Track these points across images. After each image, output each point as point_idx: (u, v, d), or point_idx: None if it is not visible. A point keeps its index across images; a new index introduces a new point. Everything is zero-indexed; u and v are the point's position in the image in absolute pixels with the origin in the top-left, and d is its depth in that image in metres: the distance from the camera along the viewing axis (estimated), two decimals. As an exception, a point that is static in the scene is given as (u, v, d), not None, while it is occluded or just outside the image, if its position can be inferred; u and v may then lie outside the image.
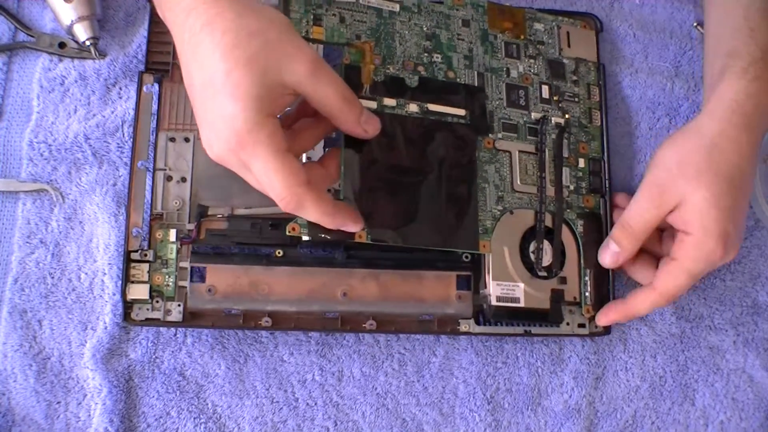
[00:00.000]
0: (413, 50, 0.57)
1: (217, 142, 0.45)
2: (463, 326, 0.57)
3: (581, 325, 0.58)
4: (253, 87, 0.44)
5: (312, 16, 0.55)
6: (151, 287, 0.55)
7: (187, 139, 0.58)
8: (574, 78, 0.62)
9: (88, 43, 0.60)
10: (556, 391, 0.59)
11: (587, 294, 0.58)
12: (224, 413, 0.56)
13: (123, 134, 0.59)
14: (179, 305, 0.55)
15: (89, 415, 0.55)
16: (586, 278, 0.58)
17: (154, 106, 0.58)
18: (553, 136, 0.59)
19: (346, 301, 0.55)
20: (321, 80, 0.46)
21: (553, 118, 0.60)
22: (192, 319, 0.55)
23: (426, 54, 0.57)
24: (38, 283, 0.57)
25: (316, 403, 0.57)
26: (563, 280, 0.58)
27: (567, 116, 0.60)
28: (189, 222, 0.56)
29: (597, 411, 0.59)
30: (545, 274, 0.57)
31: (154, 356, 0.57)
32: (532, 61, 0.61)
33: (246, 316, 0.55)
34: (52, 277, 0.57)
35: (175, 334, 0.57)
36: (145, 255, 0.55)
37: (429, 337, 0.58)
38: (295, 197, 0.45)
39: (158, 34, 0.60)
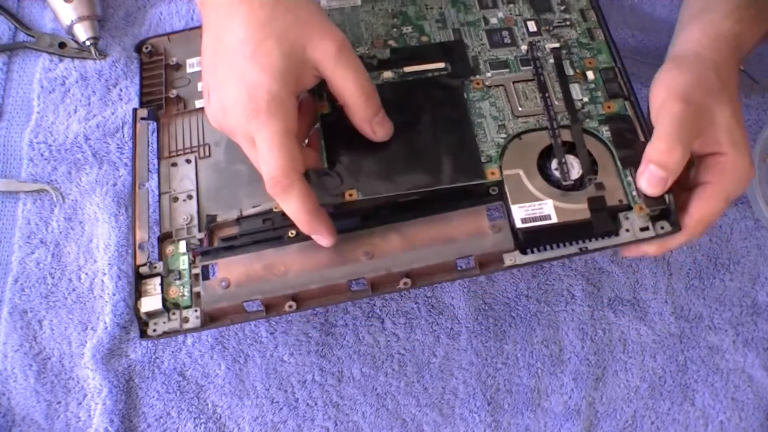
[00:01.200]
0: (381, 30, 0.56)
1: (233, 106, 0.45)
2: (508, 260, 0.49)
3: (644, 229, 0.49)
4: (281, 60, 0.45)
5: None
6: (165, 300, 0.51)
7: (188, 161, 0.56)
8: (563, 8, 0.58)
9: (88, 43, 0.60)
10: (556, 392, 0.59)
11: (634, 193, 0.50)
12: (224, 413, 0.56)
13: (123, 135, 0.59)
14: (196, 311, 0.51)
15: (89, 415, 0.55)
16: (629, 178, 0.50)
17: (152, 138, 0.57)
18: (551, 60, 0.55)
19: (371, 263, 0.50)
20: (344, 64, 0.46)
21: (547, 45, 0.56)
22: (211, 321, 0.51)
23: (395, 29, 0.56)
24: (38, 284, 0.57)
25: (316, 404, 0.57)
26: (600, 186, 0.50)
27: (562, 41, 0.56)
28: (199, 233, 0.54)
29: (597, 411, 0.59)
30: (576, 186, 0.50)
31: (154, 356, 0.57)
32: (511, 5, 0.58)
33: (267, 305, 0.50)
34: (53, 278, 0.57)
35: (175, 335, 0.57)
36: (155, 268, 0.52)
37: (429, 337, 0.58)
38: (285, 181, 0.45)
39: (150, 78, 0.59)
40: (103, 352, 0.56)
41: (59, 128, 0.59)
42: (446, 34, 0.56)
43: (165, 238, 0.54)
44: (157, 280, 0.52)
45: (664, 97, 0.50)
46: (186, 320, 0.51)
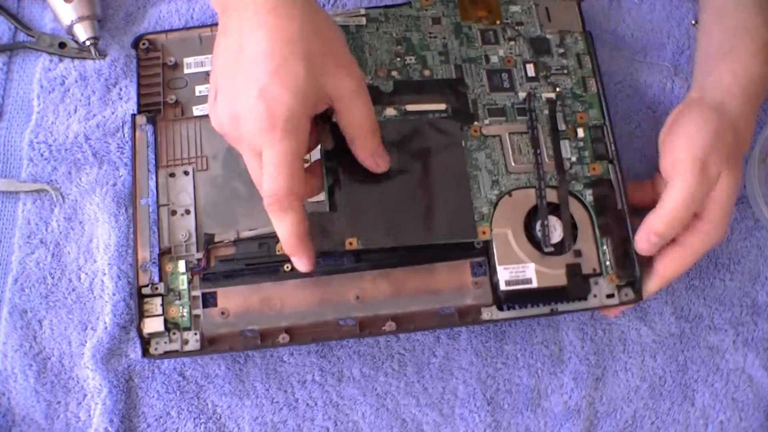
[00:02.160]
0: (385, 57, 0.57)
1: (248, 117, 0.45)
2: (485, 314, 0.54)
3: (609, 296, 0.55)
4: (305, 82, 0.45)
5: None
6: (166, 320, 0.54)
7: (186, 173, 0.56)
8: (561, 51, 0.60)
9: (88, 43, 0.60)
10: (556, 392, 0.59)
11: (608, 263, 0.55)
12: (224, 413, 0.56)
13: (123, 134, 0.59)
14: (195, 334, 0.54)
15: (89, 415, 0.55)
16: (605, 247, 0.55)
17: (150, 146, 0.57)
18: (546, 111, 0.57)
19: (360, 305, 0.54)
20: (358, 102, 0.48)
21: (543, 94, 0.58)
22: (210, 345, 0.54)
23: (398, 58, 0.57)
24: (38, 283, 0.57)
25: (316, 404, 0.57)
26: (578, 254, 0.54)
27: (558, 89, 0.58)
28: (197, 251, 0.55)
29: (597, 411, 0.59)
30: (556, 250, 0.54)
31: (154, 356, 0.57)
32: (512, 43, 0.59)
33: (263, 334, 0.54)
34: (53, 277, 0.57)
35: (175, 335, 0.57)
36: (156, 288, 0.54)
37: (429, 337, 0.58)
38: (286, 202, 0.45)
39: (147, 77, 0.59)
40: (103, 352, 0.56)
41: (59, 128, 0.59)
42: (448, 69, 0.58)
43: (164, 254, 0.55)
44: (159, 300, 0.54)
45: (684, 154, 0.52)
46: (186, 342, 0.54)
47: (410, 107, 0.56)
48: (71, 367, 0.56)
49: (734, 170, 0.52)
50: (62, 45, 0.61)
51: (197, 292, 0.54)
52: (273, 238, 0.54)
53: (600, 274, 0.55)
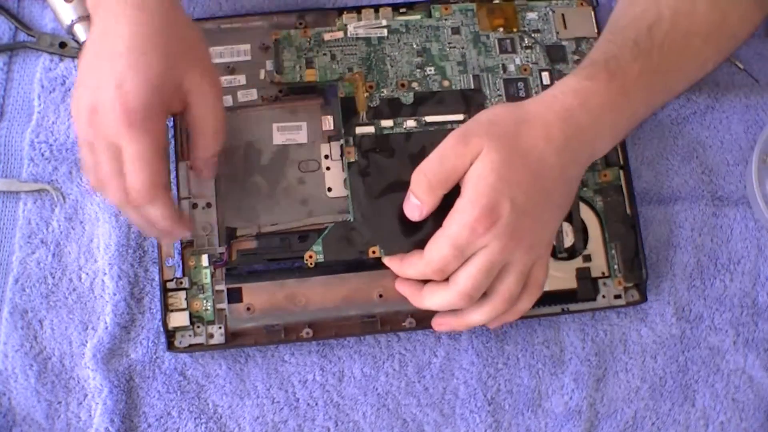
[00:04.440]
0: (405, 69, 0.59)
1: (107, 112, 0.45)
2: None
3: (617, 296, 0.58)
4: (161, 77, 0.46)
5: (304, 60, 0.58)
6: (190, 314, 0.55)
7: None
8: (576, 58, 0.61)
9: (88, 43, 0.60)
10: (557, 393, 0.59)
11: (616, 266, 0.58)
12: (225, 413, 0.56)
13: (124, 134, 0.59)
14: (220, 327, 0.55)
15: (90, 415, 0.55)
16: (613, 251, 0.58)
17: (171, 140, 0.57)
18: None
19: (383, 303, 0.55)
20: (210, 102, 0.49)
21: None
22: (234, 339, 0.55)
23: (419, 69, 0.59)
24: (39, 283, 0.57)
25: (316, 404, 0.57)
26: (588, 258, 0.58)
27: None
28: (219, 245, 0.56)
29: (597, 412, 0.59)
30: (567, 255, 0.57)
31: (154, 356, 0.57)
32: (529, 51, 0.61)
33: (287, 329, 0.55)
34: (53, 277, 0.57)
35: (175, 335, 0.57)
36: (180, 283, 0.55)
37: (430, 337, 0.58)
38: (150, 195, 0.46)
39: None
40: (103, 352, 0.56)
41: (60, 128, 0.59)
42: (467, 79, 0.59)
43: (186, 247, 0.56)
44: (183, 294, 0.55)
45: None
46: (211, 336, 0.55)
47: (429, 118, 0.57)
48: (72, 367, 0.56)
49: (496, 152, 0.47)
50: (63, 45, 0.61)
51: (221, 287, 0.55)
52: (294, 234, 0.55)
53: (608, 277, 0.58)
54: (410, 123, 0.57)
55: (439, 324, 0.54)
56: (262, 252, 0.55)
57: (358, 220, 0.53)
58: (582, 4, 0.63)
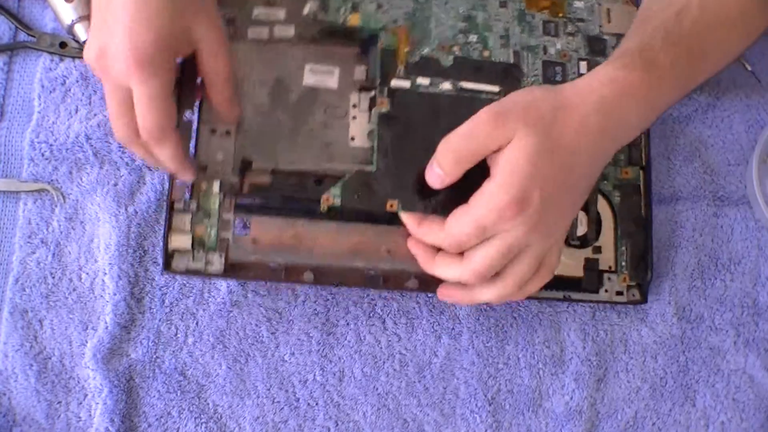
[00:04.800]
0: (449, 32, 0.58)
1: (116, 55, 0.46)
2: None
3: (619, 293, 0.58)
4: (170, 24, 0.47)
5: (350, 4, 0.58)
6: (193, 238, 0.53)
7: None
8: None
9: (89, 42, 0.60)
10: (558, 393, 0.59)
11: (623, 263, 0.58)
12: (225, 413, 0.56)
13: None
14: (221, 256, 0.53)
15: (90, 415, 0.55)
16: (623, 248, 0.59)
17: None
18: None
19: (390, 259, 0.55)
20: (220, 50, 0.50)
21: None
22: (233, 270, 0.54)
23: (461, 35, 0.58)
24: (39, 283, 0.57)
25: (317, 404, 0.57)
26: (598, 250, 0.58)
27: None
28: (233, 175, 0.54)
29: (598, 412, 0.59)
30: (579, 243, 0.58)
31: (155, 356, 0.57)
32: (570, 38, 0.60)
33: (288, 269, 0.54)
34: (53, 277, 0.57)
35: (176, 334, 0.57)
36: (188, 206, 0.54)
37: (430, 337, 0.58)
38: (161, 134, 0.48)
39: None
40: (103, 352, 0.56)
41: (60, 128, 0.59)
42: (507, 53, 0.59)
43: (199, 171, 0.54)
44: (188, 217, 0.54)
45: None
46: (210, 263, 0.53)
47: (466, 84, 0.56)
48: (72, 366, 0.56)
49: (534, 137, 0.46)
50: (63, 45, 0.61)
51: (228, 216, 0.54)
52: (310, 176, 0.54)
53: (614, 272, 0.58)
54: (446, 86, 0.56)
55: (444, 294, 0.53)
56: (276, 189, 0.54)
57: (380, 172, 0.52)
58: (628, 2, 0.63)
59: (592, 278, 0.58)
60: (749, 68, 0.65)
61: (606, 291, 0.58)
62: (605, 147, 0.50)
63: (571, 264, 0.57)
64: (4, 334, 0.56)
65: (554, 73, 0.59)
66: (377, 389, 0.58)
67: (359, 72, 0.57)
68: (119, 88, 0.47)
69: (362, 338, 0.58)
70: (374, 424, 0.57)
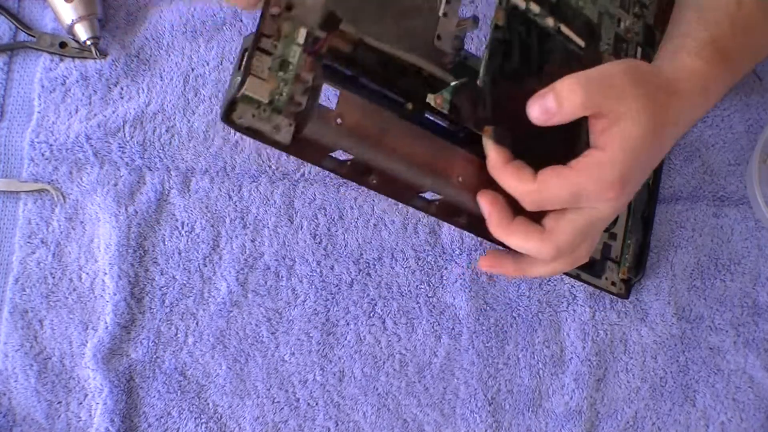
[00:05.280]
0: None
1: None
2: None
3: (613, 283, 0.60)
4: None
5: None
6: (270, 91, 0.43)
7: None
8: None
9: (89, 42, 0.60)
10: (557, 393, 0.59)
11: (627, 256, 0.60)
12: (225, 413, 0.56)
13: (124, 134, 0.59)
14: (291, 124, 0.44)
15: (90, 415, 0.55)
16: (629, 242, 0.60)
17: None
18: None
19: (458, 189, 0.48)
20: None
21: None
22: (300, 146, 0.44)
23: None
24: (39, 283, 0.57)
25: (317, 404, 0.57)
26: (613, 236, 0.59)
27: None
28: (318, 28, 0.44)
29: (598, 412, 0.59)
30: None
31: (155, 356, 0.57)
32: (635, 20, 0.58)
33: (356, 166, 0.46)
34: (53, 277, 0.57)
35: (176, 334, 0.57)
36: (276, 46, 0.43)
37: (430, 337, 0.58)
38: None
39: None
40: (103, 352, 0.56)
41: (60, 128, 0.59)
42: (593, 12, 0.54)
43: (288, 9, 0.44)
44: (269, 62, 0.43)
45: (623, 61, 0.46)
46: (277, 129, 0.44)
47: (564, 29, 0.51)
48: (72, 367, 0.56)
49: (648, 118, 0.44)
50: (63, 45, 0.61)
51: (308, 76, 0.44)
52: (396, 63, 0.47)
53: (618, 263, 0.60)
54: (549, 21, 0.51)
55: (492, 266, 0.50)
56: (356, 62, 0.46)
57: (486, 90, 0.46)
58: None
59: (602, 263, 0.59)
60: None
61: (606, 278, 0.59)
62: (678, 135, 0.48)
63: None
64: (4, 334, 0.56)
65: (622, 49, 0.55)
66: (377, 389, 0.58)
67: None
68: None
69: (362, 338, 0.58)
70: (374, 424, 0.57)
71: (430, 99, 0.45)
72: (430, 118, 0.49)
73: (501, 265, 0.50)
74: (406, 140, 0.47)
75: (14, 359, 0.56)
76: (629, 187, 0.44)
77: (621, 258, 0.59)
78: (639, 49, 0.58)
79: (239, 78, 0.43)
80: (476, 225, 0.50)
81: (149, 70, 0.60)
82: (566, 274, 0.58)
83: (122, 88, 0.60)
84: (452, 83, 0.46)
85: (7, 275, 0.57)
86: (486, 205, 0.47)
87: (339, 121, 0.45)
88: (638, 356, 0.60)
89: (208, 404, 0.56)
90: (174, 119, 0.59)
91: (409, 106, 0.48)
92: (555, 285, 0.60)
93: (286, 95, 0.44)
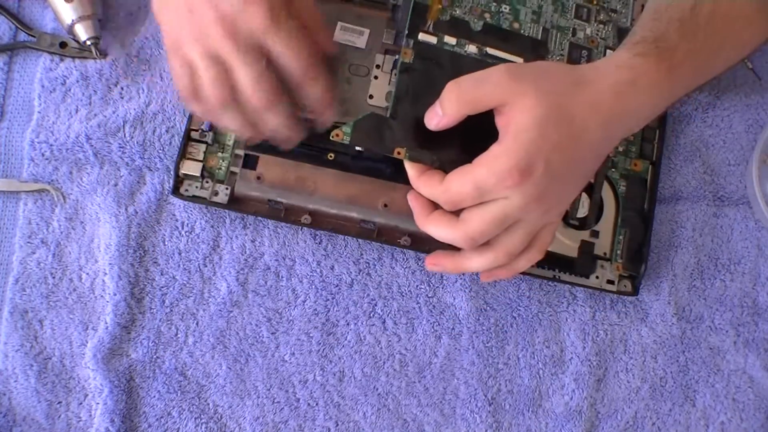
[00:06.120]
0: None
1: (251, 14, 0.47)
2: None
3: (610, 282, 0.59)
4: None
5: None
6: (204, 167, 0.57)
7: None
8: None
9: (89, 42, 0.60)
10: (557, 393, 0.59)
11: (619, 252, 0.59)
12: (225, 413, 0.56)
13: (125, 134, 0.59)
14: (227, 189, 0.57)
15: (90, 415, 0.55)
16: (621, 236, 0.59)
17: None
18: None
19: (386, 213, 0.57)
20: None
21: None
22: (236, 203, 0.57)
23: (494, 3, 0.59)
24: (39, 283, 0.57)
25: (317, 404, 0.57)
26: (596, 234, 0.59)
27: None
28: None
29: (598, 412, 0.59)
30: (578, 225, 0.58)
31: (155, 356, 0.57)
32: (601, 26, 0.61)
33: (288, 210, 0.57)
34: (53, 277, 0.57)
35: (176, 334, 0.57)
36: (204, 136, 0.57)
37: (430, 337, 0.58)
38: (316, 62, 0.49)
39: None
40: (103, 352, 0.56)
41: (60, 128, 0.59)
42: (536, 29, 0.59)
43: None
44: (203, 147, 0.58)
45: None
46: (216, 194, 0.57)
47: (491, 51, 0.57)
48: (72, 367, 0.56)
49: (544, 108, 0.46)
50: (63, 45, 0.61)
51: (241, 152, 0.57)
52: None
53: (608, 260, 0.59)
54: (472, 48, 0.56)
55: (433, 263, 0.53)
56: None
57: (394, 118, 0.52)
58: None
59: (586, 261, 0.58)
60: (750, 66, 0.65)
61: (597, 277, 0.59)
62: (613, 131, 0.49)
63: (568, 244, 0.58)
64: (4, 334, 0.56)
65: (580, 56, 0.59)
66: (377, 389, 0.58)
67: (388, 36, 0.59)
68: (251, 50, 0.47)
69: (362, 338, 0.58)
70: (374, 424, 0.57)
71: (333, 134, 0.52)
72: (357, 159, 0.57)
73: (441, 261, 0.53)
74: (327, 183, 0.57)
75: (14, 359, 0.56)
76: (536, 175, 0.46)
77: (612, 254, 0.59)
78: (609, 52, 0.60)
79: (178, 162, 0.56)
80: (418, 242, 0.57)
81: (149, 70, 0.60)
82: (546, 277, 0.58)
83: (122, 88, 0.60)
84: (355, 119, 0.52)
85: (7, 275, 0.57)
86: (411, 200, 0.52)
87: (260, 178, 0.57)
88: (638, 356, 0.60)
89: (208, 404, 0.56)
90: (174, 119, 0.59)
91: (330, 156, 0.57)
92: (555, 285, 0.60)
93: (225, 168, 0.58)
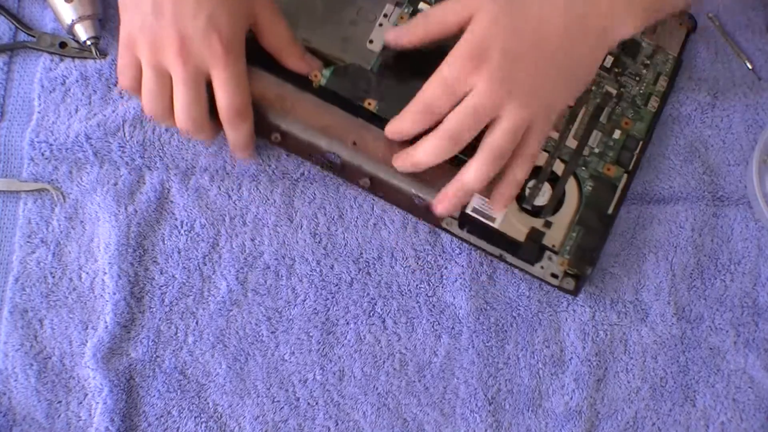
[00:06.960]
0: None
1: (201, 41, 0.49)
2: (445, 223, 0.58)
3: (554, 275, 0.58)
4: (242, 7, 0.51)
5: None
6: None
7: None
8: (646, 62, 0.61)
9: (89, 42, 0.60)
10: (557, 393, 0.59)
11: (568, 248, 0.58)
12: (225, 412, 0.56)
13: (124, 134, 0.59)
14: None
15: (90, 415, 0.55)
16: (574, 233, 0.58)
17: None
18: (597, 100, 0.60)
19: (353, 151, 0.57)
20: (278, 19, 0.54)
21: (606, 86, 0.60)
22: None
23: None
24: (39, 283, 0.57)
25: (317, 403, 0.57)
26: (548, 225, 0.58)
27: (621, 90, 0.60)
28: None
29: (598, 412, 0.59)
30: (533, 211, 0.58)
31: (154, 355, 0.57)
32: None
33: (260, 125, 0.56)
34: (53, 277, 0.57)
35: (176, 334, 0.57)
36: None
37: (430, 337, 0.58)
38: (245, 112, 0.53)
39: None
40: (103, 351, 0.56)
41: (60, 128, 0.59)
42: None
43: None
44: None
45: None
46: None
47: None
48: (72, 366, 0.56)
49: (495, 4, 0.50)
50: (63, 45, 0.61)
51: None
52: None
53: (556, 253, 0.58)
54: None
55: (401, 163, 0.55)
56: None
57: (375, 72, 0.56)
58: (681, 24, 0.63)
59: (531, 249, 0.57)
60: (750, 66, 0.65)
61: (542, 267, 0.58)
62: (582, 22, 0.50)
63: (516, 227, 0.57)
64: (4, 334, 0.56)
65: None
66: (377, 389, 0.58)
67: None
68: (197, 75, 0.51)
69: (362, 337, 0.58)
70: (374, 424, 0.57)
71: (311, 75, 0.56)
72: (342, 95, 0.57)
73: (401, 157, 0.54)
74: (305, 109, 0.57)
75: (14, 359, 0.56)
76: (494, 60, 0.48)
77: (561, 249, 0.58)
78: (608, 57, 0.60)
79: None
80: (376, 186, 0.58)
81: (149, 70, 0.60)
82: (493, 255, 0.58)
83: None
84: (335, 65, 0.57)
85: (7, 275, 0.57)
86: (390, 132, 0.54)
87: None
88: (638, 356, 0.60)
89: (208, 403, 0.56)
90: (174, 119, 0.59)
91: (316, 77, 0.57)
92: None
93: None
